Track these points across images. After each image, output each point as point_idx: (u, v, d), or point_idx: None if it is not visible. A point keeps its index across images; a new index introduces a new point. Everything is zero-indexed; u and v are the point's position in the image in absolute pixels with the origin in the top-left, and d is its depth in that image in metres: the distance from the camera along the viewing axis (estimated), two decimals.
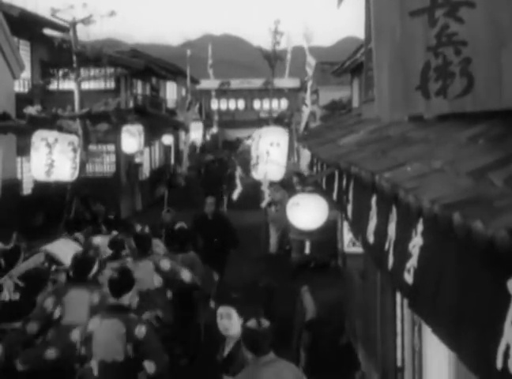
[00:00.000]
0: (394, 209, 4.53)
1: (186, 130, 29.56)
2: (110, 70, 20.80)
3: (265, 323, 5.32)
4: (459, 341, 2.71)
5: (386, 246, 4.60)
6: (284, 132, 10.75)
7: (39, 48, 20.48)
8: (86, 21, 16.60)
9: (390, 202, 4.62)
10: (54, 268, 8.44)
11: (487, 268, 2.52)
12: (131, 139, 19.33)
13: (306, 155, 22.96)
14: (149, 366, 6.12)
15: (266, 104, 41.44)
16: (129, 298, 6.52)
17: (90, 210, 13.94)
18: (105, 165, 23.89)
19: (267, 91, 36.88)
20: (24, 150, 16.09)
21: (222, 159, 28.83)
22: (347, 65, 23.30)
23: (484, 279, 2.53)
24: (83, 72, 17.93)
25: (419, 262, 3.72)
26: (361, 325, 9.25)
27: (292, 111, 35.91)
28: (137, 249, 8.55)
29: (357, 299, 9.65)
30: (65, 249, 8.79)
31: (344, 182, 7.05)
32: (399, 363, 7.70)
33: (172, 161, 32.32)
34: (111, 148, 23.19)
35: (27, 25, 18.41)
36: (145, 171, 27.16)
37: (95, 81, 22.13)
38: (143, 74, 26.47)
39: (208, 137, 41.07)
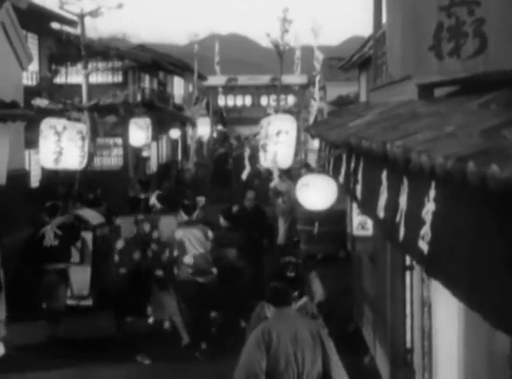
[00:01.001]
0: (405, 181, 4.52)
1: (193, 125, 29.57)
2: (117, 64, 20.85)
3: (285, 284, 6.25)
4: (481, 298, 2.70)
5: (398, 218, 4.60)
6: (292, 119, 10.71)
7: (47, 41, 20.48)
8: (94, 14, 16.67)
9: (401, 173, 4.61)
10: (82, 225, 10.86)
11: (504, 218, 2.51)
12: (139, 132, 19.33)
13: (313, 151, 22.96)
14: (230, 252, 10.28)
15: (274, 101, 41.40)
16: (195, 216, 10.13)
17: (67, 211, 13.18)
18: (113, 158, 23.89)
19: (274, 88, 36.79)
20: (31, 143, 16.12)
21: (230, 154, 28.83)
22: (355, 59, 23.25)
23: (502, 230, 2.52)
24: (90, 65, 17.99)
25: (432, 227, 3.71)
26: (370, 309, 9.24)
27: (300, 108, 35.87)
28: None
29: (366, 282, 9.64)
30: (89, 213, 11.36)
31: (353, 164, 7.03)
32: (408, 345, 7.69)
33: (179, 156, 32.37)
34: (119, 141, 23.21)
35: (35, 18, 18.41)
36: (153, 166, 27.19)
37: (102, 74, 22.17)
38: (150, 68, 26.48)
39: (215, 134, 41.13)
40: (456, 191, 3.36)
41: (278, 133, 10.13)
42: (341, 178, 7.64)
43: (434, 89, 6.32)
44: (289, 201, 15.78)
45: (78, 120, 12.22)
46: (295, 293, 6.64)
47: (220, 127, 41.89)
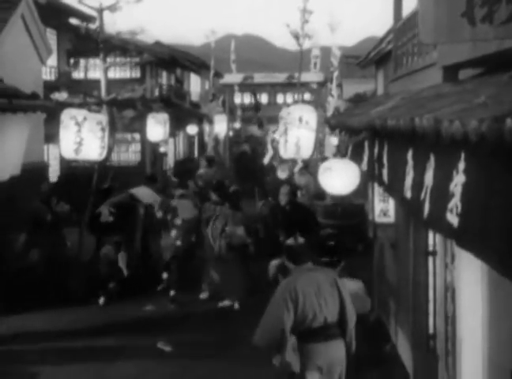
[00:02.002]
0: (432, 157, 4.49)
1: (210, 122, 29.55)
2: (135, 59, 20.87)
3: (301, 240, 6.65)
4: None
5: (422, 196, 4.57)
6: (312, 109, 10.57)
7: (66, 37, 20.64)
8: (113, 8, 16.66)
9: (428, 150, 4.58)
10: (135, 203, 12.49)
11: None
12: (157, 127, 19.31)
13: (330, 147, 22.86)
14: (239, 229, 11.32)
15: (290, 99, 41.35)
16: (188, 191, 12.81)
17: (51, 210, 12.73)
18: (130, 154, 24.02)
19: (291, 86, 36.72)
20: (50, 137, 16.21)
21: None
22: (372, 55, 23.19)
23: None
24: (109, 60, 18.01)
25: (462, 199, 3.68)
26: (391, 297, 9.20)
27: (316, 106, 35.81)
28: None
29: (387, 271, 9.59)
30: (143, 191, 12.83)
31: (377, 149, 6.99)
32: (431, 330, 7.64)
33: (196, 153, 32.47)
34: (137, 136, 23.32)
35: (54, 14, 18.54)
36: (170, 162, 27.29)
37: (120, 70, 22.25)
38: (168, 64, 26.56)
39: (231, 133, 41.09)
40: (487, 160, 3.34)
41: (300, 119, 10.00)
42: (364, 165, 7.59)
43: (459, 71, 6.29)
44: (307, 195, 15.77)
45: (98, 111, 12.22)
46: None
47: (236, 125, 41.82)
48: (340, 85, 30.57)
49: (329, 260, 7.24)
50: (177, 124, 26.01)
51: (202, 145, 32.62)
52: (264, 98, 48.24)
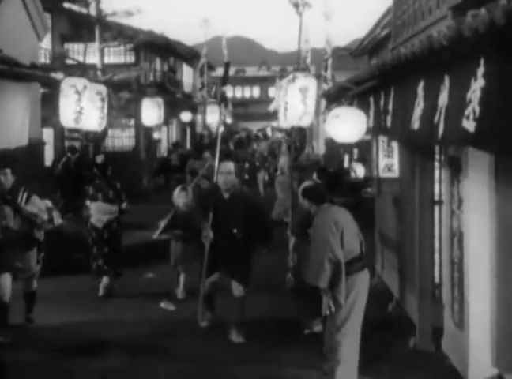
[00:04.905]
0: (447, 77, 4.51)
1: (203, 111, 29.47)
2: (130, 44, 20.86)
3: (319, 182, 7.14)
4: None
5: (436, 118, 4.59)
6: (312, 75, 10.36)
7: (60, 21, 20.62)
8: None
9: (442, 73, 4.60)
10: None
11: None
12: (151, 111, 19.21)
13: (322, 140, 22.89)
14: None
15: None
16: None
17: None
18: (124, 139, 23.99)
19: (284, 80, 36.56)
20: (43, 121, 16.21)
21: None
22: (366, 43, 23.29)
23: None
24: (104, 43, 18.03)
25: (481, 102, 3.71)
26: (394, 254, 9.21)
27: None
28: None
29: (390, 230, 9.58)
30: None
31: (382, 100, 7.01)
32: (437, 280, 7.67)
33: (188, 143, 32.54)
34: (131, 122, 23.33)
35: None
36: (163, 149, 27.34)
37: (115, 55, 22.26)
38: (162, 50, 26.57)
39: (222, 128, 41.05)
40: (509, 56, 3.37)
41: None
42: (371, 121, 7.61)
43: (467, 13, 6.31)
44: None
45: (98, 82, 12.15)
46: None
47: (228, 120, 41.78)
48: (333, 77, 30.64)
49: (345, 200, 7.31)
50: (170, 112, 26.06)
51: (194, 135, 32.62)
52: (256, 92, 48.30)
